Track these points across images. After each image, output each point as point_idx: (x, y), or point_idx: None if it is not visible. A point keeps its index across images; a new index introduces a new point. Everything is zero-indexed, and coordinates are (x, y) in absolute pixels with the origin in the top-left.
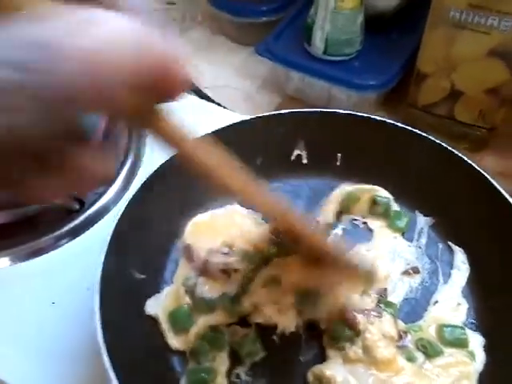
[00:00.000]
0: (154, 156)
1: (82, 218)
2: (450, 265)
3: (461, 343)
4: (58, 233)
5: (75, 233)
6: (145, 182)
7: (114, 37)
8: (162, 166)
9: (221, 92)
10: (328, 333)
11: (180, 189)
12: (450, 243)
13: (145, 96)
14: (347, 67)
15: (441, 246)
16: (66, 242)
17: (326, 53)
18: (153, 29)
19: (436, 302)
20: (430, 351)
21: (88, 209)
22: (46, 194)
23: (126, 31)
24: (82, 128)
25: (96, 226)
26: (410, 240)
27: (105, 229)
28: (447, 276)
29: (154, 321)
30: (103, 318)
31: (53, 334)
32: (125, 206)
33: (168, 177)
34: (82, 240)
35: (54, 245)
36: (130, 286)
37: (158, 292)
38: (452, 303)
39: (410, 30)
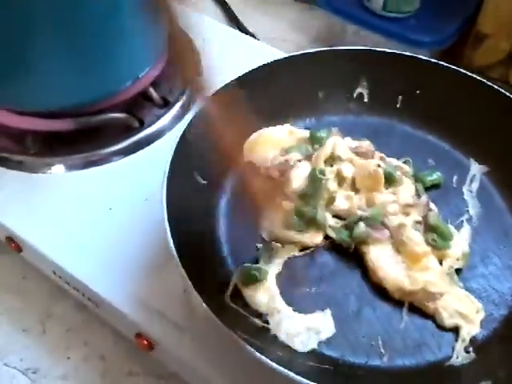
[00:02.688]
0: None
1: (140, 135)
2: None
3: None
4: (116, 147)
5: (132, 149)
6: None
7: None
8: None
9: (274, 44)
10: None
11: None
12: (502, 192)
13: None
14: (404, 24)
15: (492, 192)
16: (123, 157)
17: (385, 9)
18: None
19: None
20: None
21: (147, 128)
22: None
23: None
24: None
25: (152, 145)
26: (462, 184)
27: (160, 149)
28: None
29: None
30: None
31: (111, 237)
32: (188, 122)
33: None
34: (138, 157)
35: (111, 158)
36: (193, 187)
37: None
38: None
39: None
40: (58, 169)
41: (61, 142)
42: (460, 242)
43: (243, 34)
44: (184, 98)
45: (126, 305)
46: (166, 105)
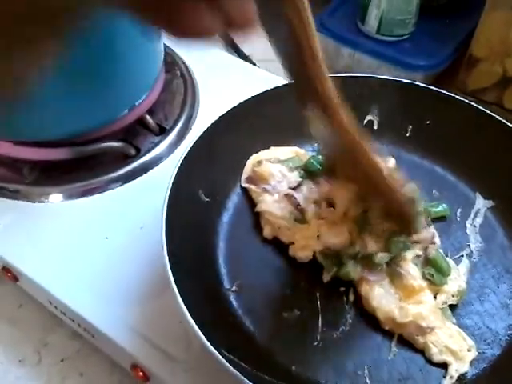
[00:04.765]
0: (207, 111)
1: (136, 163)
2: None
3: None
4: (112, 175)
5: (129, 177)
6: (220, 117)
7: None
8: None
9: (270, 66)
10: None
11: (246, 131)
12: (507, 228)
13: None
14: (398, 47)
15: (497, 229)
16: (119, 185)
17: (379, 32)
18: None
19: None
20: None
21: (143, 156)
22: (199, 24)
23: None
24: None
25: (149, 173)
26: (466, 218)
27: (157, 177)
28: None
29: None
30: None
31: (107, 266)
32: (194, 141)
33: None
34: (135, 185)
35: (108, 186)
36: (196, 206)
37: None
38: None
39: (464, 16)
40: (55, 198)
41: (58, 170)
42: (457, 277)
43: (245, 62)
44: (180, 124)
45: (122, 335)
46: (162, 132)
